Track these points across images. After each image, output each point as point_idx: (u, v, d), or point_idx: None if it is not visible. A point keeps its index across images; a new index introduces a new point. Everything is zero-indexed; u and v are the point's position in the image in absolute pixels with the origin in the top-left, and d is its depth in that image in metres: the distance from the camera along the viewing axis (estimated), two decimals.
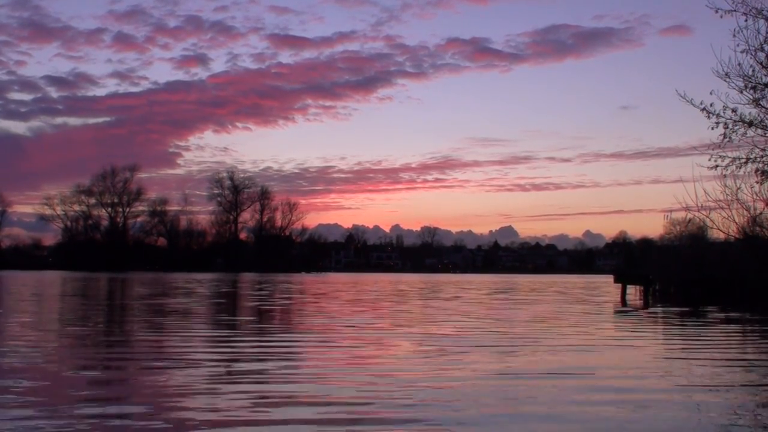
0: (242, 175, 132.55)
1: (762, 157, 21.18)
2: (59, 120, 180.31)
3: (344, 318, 15.41)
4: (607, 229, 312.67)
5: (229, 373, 7.39)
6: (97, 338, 10.93)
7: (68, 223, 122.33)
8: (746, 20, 20.24)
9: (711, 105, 20.56)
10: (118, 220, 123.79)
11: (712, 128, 20.79)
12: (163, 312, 17.11)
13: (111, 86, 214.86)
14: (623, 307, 21.70)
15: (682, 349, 10.36)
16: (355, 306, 20.35)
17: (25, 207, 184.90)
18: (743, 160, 21.15)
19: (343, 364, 8.01)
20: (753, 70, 20.53)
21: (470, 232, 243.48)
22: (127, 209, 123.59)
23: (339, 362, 8.19)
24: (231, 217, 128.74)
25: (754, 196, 23.47)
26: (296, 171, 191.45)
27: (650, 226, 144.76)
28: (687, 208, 25.68)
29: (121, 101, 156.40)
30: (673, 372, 7.72)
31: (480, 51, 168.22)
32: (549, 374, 7.31)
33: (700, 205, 25.11)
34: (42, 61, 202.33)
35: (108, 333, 12.08)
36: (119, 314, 17.05)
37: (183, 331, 12.07)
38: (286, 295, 27.01)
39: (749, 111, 20.81)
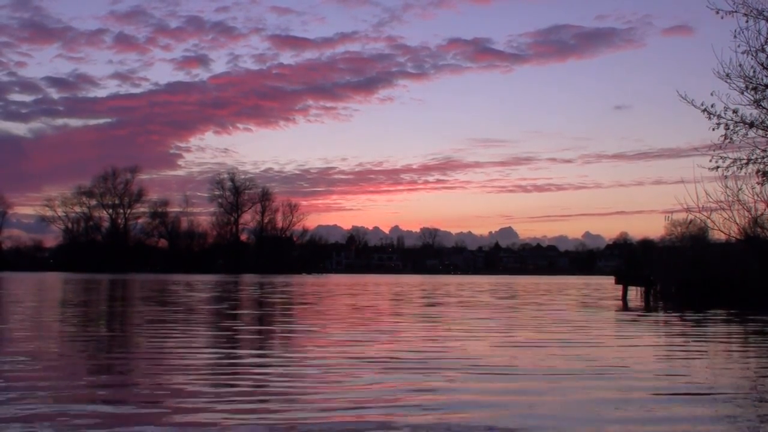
0: (243, 177, 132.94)
1: (763, 158, 21.17)
2: (60, 121, 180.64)
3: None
4: (608, 230, 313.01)
5: None
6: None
7: (69, 225, 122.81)
8: (747, 21, 20.25)
9: (712, 106, 20.57)
10: (119, 221, 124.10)
11: (713, 129, 20.79)
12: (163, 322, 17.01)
13: (112, 87, 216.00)
14: (624, 309, 21.70)
15: None
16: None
17: (25, 208, 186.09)
18: (744, 161, 21.15)
19: None
20: (754, 71, 20.53)
21: (470, 233, 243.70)
22: (128, 210, 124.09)
23: None
24: (232, 219, 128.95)
25: (755, 197, 23.46)
26: (297, 172, 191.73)
27: (651, 227, 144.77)
28: (688, 209, 25.62)
29: (122, 102, 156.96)
30: None
31: (481, 51, 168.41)
32: None
33: (701, 206, 25.07)
34: (43, 62, 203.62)
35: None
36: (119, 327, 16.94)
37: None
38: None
39: (750, 112, 20.82)
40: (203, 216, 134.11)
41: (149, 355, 9.23)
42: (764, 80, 20.66)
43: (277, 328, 14.06)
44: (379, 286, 44.54)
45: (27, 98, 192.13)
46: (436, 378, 7.45)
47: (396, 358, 8.98)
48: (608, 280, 58.74)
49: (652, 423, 5.54)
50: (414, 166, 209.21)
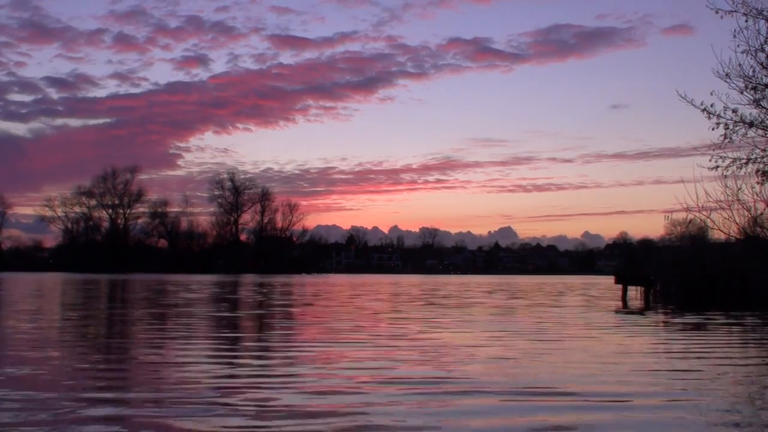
0: (243, 177, 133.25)
1: (762, 157, 21.19)
2: (59, 121, 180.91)
3: None
4: (608, 229, 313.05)
5: None
6: None
7: (69, 225, 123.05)
8: (746, 21, 20.28)
9: (711, 105, 20.59)
10: (119, 221, 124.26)
11: (713, 129, 20.83)
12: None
13: (111, 87, 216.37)
14: (624, 309, 21.67)
15: None
16: None
17: (25, 208, 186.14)
18: (744, 161, 21.17)
19: None
20: (753, 71, 20.57)
21: (470, 233, 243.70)
22: (128, 211, 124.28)
23: None
24: (232, 219, 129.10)
25: (755, 197, 23.48)
26: (297, 172, 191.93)
27: (651, 227, 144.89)
28: (688, 209, 25.65)
29: (122, 102, 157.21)
30: None
31: (481, 51, 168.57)
32: None
33: (701, 205, 25.09)
34: (42, 62, 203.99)
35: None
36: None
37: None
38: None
39: (750, 111, 20.86)
40: (203, 216, 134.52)
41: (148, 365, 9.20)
42: (764, 80, 20.69)
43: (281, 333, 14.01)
44: (383, 286, 44.50)
45: (26, 98, 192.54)
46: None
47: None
48: (608, 280, 58.68)
49: None
50: (414, 166, 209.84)
